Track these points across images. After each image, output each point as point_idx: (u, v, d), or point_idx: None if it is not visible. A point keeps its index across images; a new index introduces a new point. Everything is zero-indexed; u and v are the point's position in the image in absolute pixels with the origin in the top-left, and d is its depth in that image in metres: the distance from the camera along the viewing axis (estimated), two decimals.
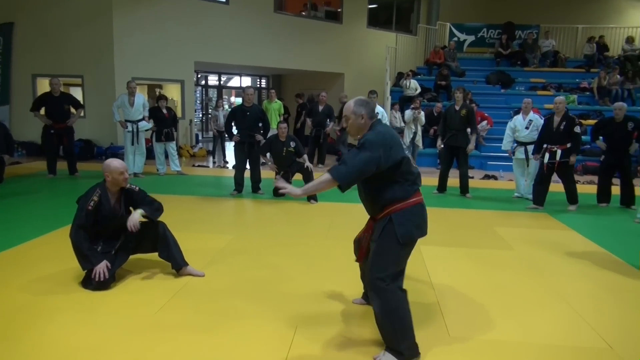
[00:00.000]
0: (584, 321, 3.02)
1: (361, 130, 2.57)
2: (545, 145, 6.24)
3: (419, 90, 11.92)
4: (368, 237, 2.63)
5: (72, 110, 8.01)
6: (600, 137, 6.76)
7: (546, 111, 6.97)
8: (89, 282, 3.25)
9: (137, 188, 3.56)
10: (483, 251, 4.46)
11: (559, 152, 6.11)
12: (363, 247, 2.68)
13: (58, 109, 7.73)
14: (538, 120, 6.74)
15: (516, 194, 7.12)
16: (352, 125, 2.58)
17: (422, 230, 2.57)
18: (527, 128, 6.74)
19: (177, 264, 3.53)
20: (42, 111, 7.78)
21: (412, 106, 10.05)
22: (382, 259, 2.48)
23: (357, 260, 2.79)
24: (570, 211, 6.28)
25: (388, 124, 8.50)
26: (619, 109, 6.44)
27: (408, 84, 11.60)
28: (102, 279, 3.21)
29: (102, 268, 3.22)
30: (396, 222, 2.46)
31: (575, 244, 4.82)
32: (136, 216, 3.41)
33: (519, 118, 6.91)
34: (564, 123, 6.12)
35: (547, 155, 6.19)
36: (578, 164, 9.75)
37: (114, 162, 3.38)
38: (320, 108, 9.84)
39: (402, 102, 11.48)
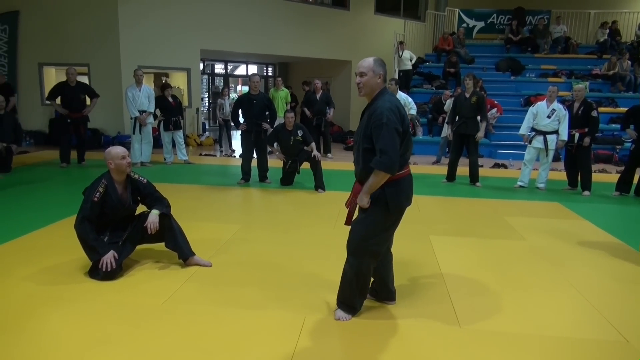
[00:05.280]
0: (599, 313, 2.96)
1: (372, 91, 2.60)
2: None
3: (414, 59, 11.77)
4: (355, 201, 2.69)
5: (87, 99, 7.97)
6: (631, 126, 6.49)
7: (558, 98, 6.79)
8: (96, 273, 3.23)
9: (145, 180, 3.53)
10: (494, 241, 4.40)
11: (577, 135, 6.52)
12: (351, 212, 2.76)
13: (74, 98, 7.69)
14: (561, 111, 6.50)
15: (520, 183, 6.92)
16: (367, 83, 2.58)
17: (410, 200, 2.70)
18: (548, 117, 6.52)
19: (184, 254, 3.51)
20: (58, 100, 7.76)
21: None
22: (370, 228, 2.62)
23: (346, 224, 2.79)
24: (584, 196, 6.42)
25: (415, 112, 8.42)
26: None
27: (401, 53, 11.40)
28: (109, 269, 3.19)
29: (109, 258, 3.21)
30: (388, 193, 2.56)
31: (589, 233, 4.74)
32: (154, 218, 3.39)
33: (542, 104, 6.65)
34: (582, 108, 6.54)
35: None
36: (612, 152, 9.85)
37: (114, 149, 3.37)
38: (318, 96, 9.67)
39: (401, 79, 11.17)
